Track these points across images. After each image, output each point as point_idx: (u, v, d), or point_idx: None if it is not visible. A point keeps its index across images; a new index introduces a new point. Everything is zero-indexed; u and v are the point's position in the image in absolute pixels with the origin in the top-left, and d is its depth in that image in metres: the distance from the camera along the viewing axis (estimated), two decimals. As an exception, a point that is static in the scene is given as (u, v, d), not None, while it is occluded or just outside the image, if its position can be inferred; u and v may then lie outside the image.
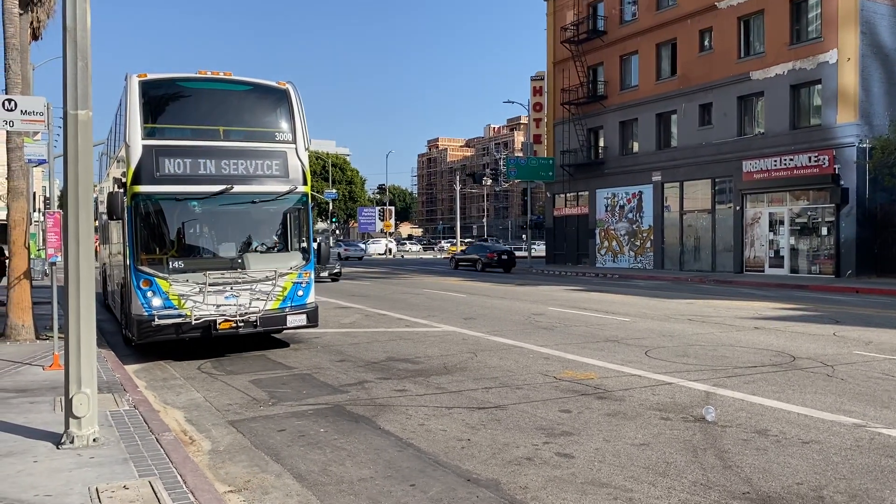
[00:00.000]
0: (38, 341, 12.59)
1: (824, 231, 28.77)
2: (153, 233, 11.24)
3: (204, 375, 10.22)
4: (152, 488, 5.24)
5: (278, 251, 12.14)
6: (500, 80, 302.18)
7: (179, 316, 10.85)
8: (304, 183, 11.97)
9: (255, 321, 11.26)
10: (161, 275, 10.85)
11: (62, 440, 6.37)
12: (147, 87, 11.23)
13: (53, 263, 10.50)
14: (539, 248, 60.69)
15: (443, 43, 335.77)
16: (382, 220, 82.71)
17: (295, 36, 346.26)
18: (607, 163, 39.74)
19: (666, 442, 6.61)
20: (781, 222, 30.41)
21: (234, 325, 11.11)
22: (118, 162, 12.74)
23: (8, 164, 13.18)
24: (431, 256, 74.81)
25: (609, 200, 39.85)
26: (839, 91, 27.89)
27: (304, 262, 11.91)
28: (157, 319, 10.64)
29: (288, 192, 11.82)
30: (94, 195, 7.82)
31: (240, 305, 11.19)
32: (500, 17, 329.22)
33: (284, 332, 12.86)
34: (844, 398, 8.15)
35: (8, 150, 13.13)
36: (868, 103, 27.89)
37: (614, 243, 39.55)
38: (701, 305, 19.07)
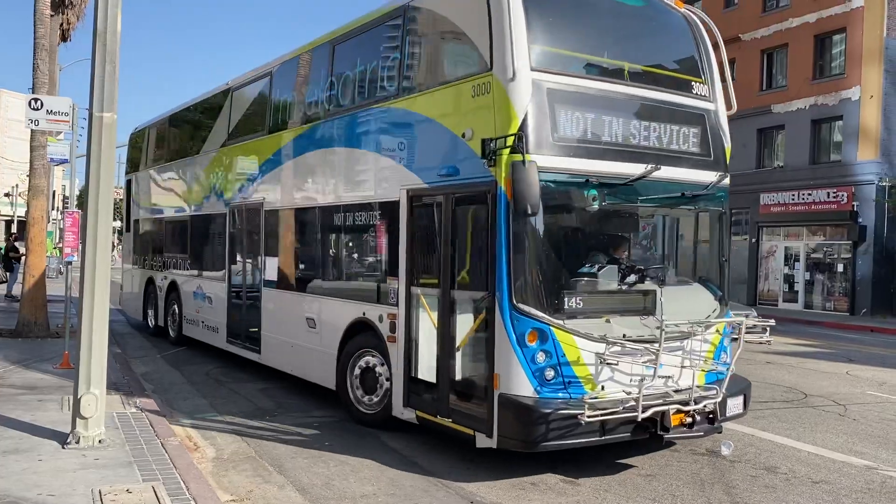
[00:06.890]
0: (49, 339, 12.65)
1: (840, 268, 28.51)
2: (538, 245, 6.38)
3: (211, 381, 10.22)
4: (155, 493, 5.23)
5: (680, 283, 7.65)
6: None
7: (606, 404, 5.96)
8: (726, 168, 7.51)
9: (711, 412, 6.43)
10: (558, 322, 6.12)
11: (68, 440, 6.38)
12: None
13: (69, 263, 10.58)
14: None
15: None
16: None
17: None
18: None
19: (673, 474, 6.53)
20: (797, 257, 30.17)
21: (690, 418, 6.26)
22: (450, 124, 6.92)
23: (30, 163, 13.37)
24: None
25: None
26: (861, 128, 27.75)
27: (722, 305, 7.47)
28: (588, 410, 5.69)
29: (714, 183, 7.26)
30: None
31: (670, 379, 6.48)
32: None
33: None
34: (856, 439, 8.03)
35: (31, 148, 13.32)
36: (889, 142, 27.69)
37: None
38: (712, 337, 18.88)
